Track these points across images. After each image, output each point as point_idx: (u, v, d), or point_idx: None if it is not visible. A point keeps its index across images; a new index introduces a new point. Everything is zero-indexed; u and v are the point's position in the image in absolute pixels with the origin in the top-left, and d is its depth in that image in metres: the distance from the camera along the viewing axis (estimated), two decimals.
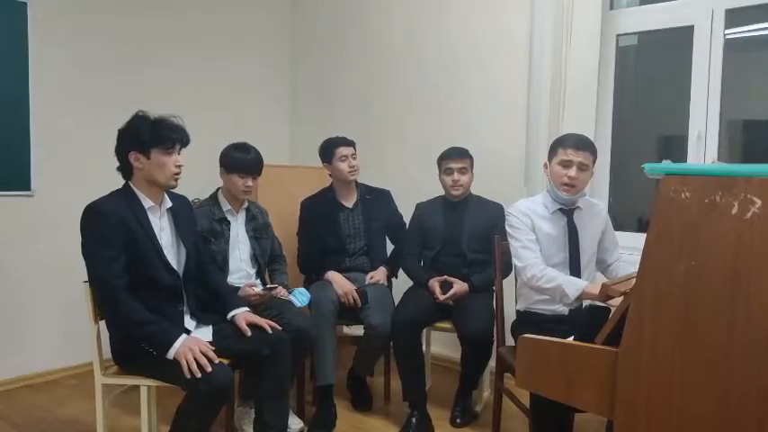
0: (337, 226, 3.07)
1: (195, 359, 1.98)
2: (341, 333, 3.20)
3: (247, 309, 2.41)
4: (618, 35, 3.21)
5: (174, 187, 2.23)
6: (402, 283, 3.12)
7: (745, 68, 3.04)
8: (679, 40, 3.04)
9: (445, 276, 2.88)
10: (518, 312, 2.55)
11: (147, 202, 2.16)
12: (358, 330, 2.95)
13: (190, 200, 2.47)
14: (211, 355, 2.02)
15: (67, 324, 3.33)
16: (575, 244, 2.42)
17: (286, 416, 2.45)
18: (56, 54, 3.33)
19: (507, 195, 3.02)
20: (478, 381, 2.94)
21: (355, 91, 4.12)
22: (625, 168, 3.29)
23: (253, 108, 4.27)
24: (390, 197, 3.25)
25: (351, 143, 3.07)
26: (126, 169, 2.17)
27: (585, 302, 2.26)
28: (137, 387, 2.17)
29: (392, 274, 3.16)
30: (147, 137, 2.10)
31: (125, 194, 2.15)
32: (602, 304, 2.00)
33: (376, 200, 3.18)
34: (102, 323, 2.17)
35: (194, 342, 2.04)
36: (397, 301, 2.97)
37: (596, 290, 1.91)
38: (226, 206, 2.75)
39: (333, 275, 2.97)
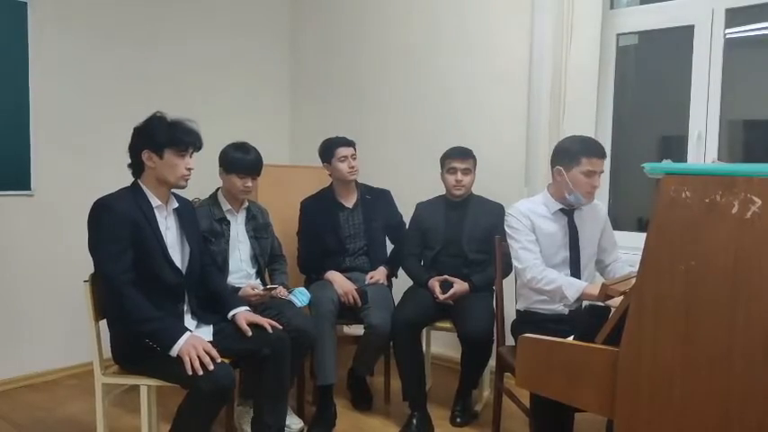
0: (337, 226, 3.07)
1: (198, 357, 1.98)
2: (341, 333, 3.21)
3: (247, 308, 2.41)
4: (618, 35, 3.21)
5: (183, 188, 2.25)
6: (402, 282, 3.12)
7: (745, 68, 3.04)
8: (679, 40, 3.04)
9: (445, 276, 2.88)
10: (518, 312, 2.55)
11: (155, 201, 2.18)
12: (358, 330, 2.95)
13: (190, 199, 2.48)
14: (214, 353, 2.03)
15: (67, 324, 3.33)
16: (575, 244, 2.42)
17: (284, 415, 2.45)
18: (56, 54, 3.33)
19: (508, 195, 3.02)
20: (478, 380, 2.94)
21: (356, 91, 4.12)
22: (625, 168, 3.29)
23: (253, 107, 4.27)
24: (390, 197, 3.25)
25: (351, 143, 3.07)
26: (137, 167, 2.19)
27: (585, 302, 2.26)
28: (137, 387, 2.17)
29: (392, 273, 3.16)
30: (162, 137, 2.13)
31: (134, 192, 2.17)
32: (603, 304, 2.00)
33: (376, 200, 3.18)
34: (103, 323, 2.18)
35: (198, 340, 2.05)
36: (397, 301, 2.97)
37: (596, 290, 1.90)
38: (226, 206, 2.75)
39: (333, 275, 2.97)
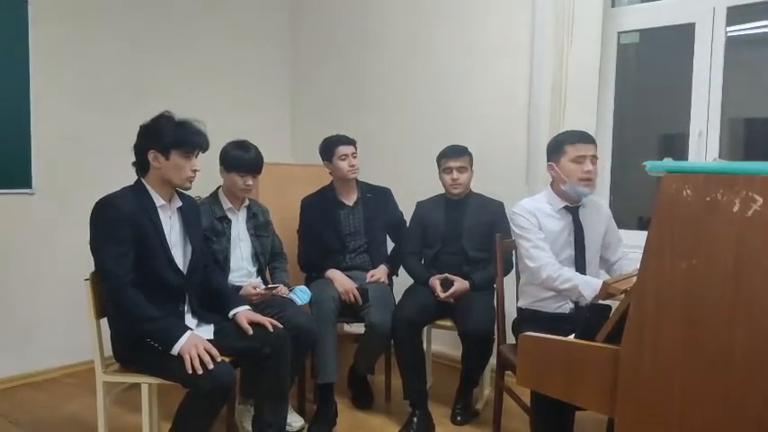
0: (338, 224, 3.07)
1: (198, 356, 1.98)
2: (342, 331, 3.20)
3: (248, 307, 2.41)
4: (619, 33, 3.20)
5: (188, 189, 2.24)
6: (403, 281, 3.12)
7: (746, 66, 3.03)
8: (680, 38, 3.03)
9: (446, 274, 2.88)
10: (519, 310, 2.55)
11: (158, 200, 2.17)
12: (359, 328, 2.95)
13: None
14: (214, 352, 2.03)
15: (68, 322, 3.33)
16: (580, 241, 2.42)
17: (285, 414, 2.45)
18: (57, 52, 3.33)
19: (508, 193, 3.02)
20: (479, 379, 2.94)
21: (356, 89, 4.12)
22: (626, 166, 3.29)
23: (254, 106, 4.27)
24: (391, 195, 3.25)
25: (351, 142, 3.07)
26: (142, 165, 2.18)
27: (587, 301, 2.26)
28: (138, 385, 2.17)
29: (393, 272, 3.16)
30: (169, 138, 2.12)
31: (137, 191, 2.16)
32: (604, 302, 2.00)
33: (376, 198, 3.17)
34: (104, 321, 2.18)
35: (198, 339, 2.05)
36: (397, 300, 2.97)
37: None
38: (227, 204, 2.75)
39: (333, 273, 2.97)
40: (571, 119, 3.10)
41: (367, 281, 2.99)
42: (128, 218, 2.06)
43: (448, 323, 2.90)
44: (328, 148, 3.06)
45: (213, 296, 2.41)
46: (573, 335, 1.68)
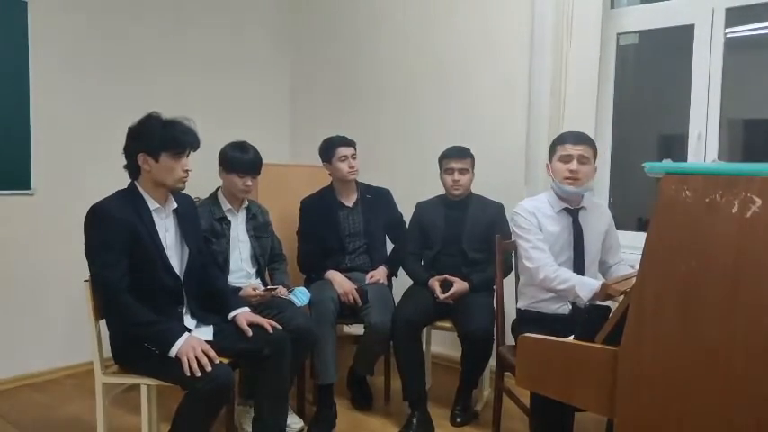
0: (337, 225, 3.07)
1: (196, 358, 1.98)
2: (341, 332, 3.20)
3: (248, 309, 2.41)
4: (618, 34, 3.20)
5: (182, 190, 2.23)
6: (402, 282, 3.12)
7: (745, 67, 3.04)
8: (679, 39, 3.04)
9: (445, 275, 2.88)
10: (518, 311, 2.55)
11: (152, 204, 2.15)
12: (358, 329, 2.95)
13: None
14: (212, 354, 2.02)
15: (68, 323, 3.33)
16: (579, 244, 2.42)
17: (285, 415, 2.45)
18: (56, 54, 3.33)
19: (508, 194, 3.02)
20: (479, 380, 2.94)
21: (356, 90, 4.12)
22: (625, 167, 3.29)
23: (253, 106, 4.27)
24: (390, 196, 3.25)
25: (351, 143, 3.07)
26: (133, 169, 2.15)
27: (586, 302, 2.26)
28: (137, 386, 2.17)
29: (392, 273, 3.16)
30: (157, 140, 2.09)
31: (130, 195, 2.14)
32: (603, 303, 2.00)
33: (376, 199, 3.18)
34: (103, 322, 2.18)
35: (196, 341, 2.05)
36: (397, 301, 2.97)
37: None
38: (226, 205, 2.75)
39: (333, 275, 2.97)
40: (570, 120, 3.10)
41: (366, 282, 2.99)
42: (121, 223, 2.04)
43: (447, 324, 2.90)
44: (328, 149, 3.06)
45: (212, 297, 2.40)
46: (572, 336, 1.68)
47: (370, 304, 2.82)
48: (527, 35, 3.26)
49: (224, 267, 2.68)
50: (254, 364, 2.35)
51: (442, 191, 3.03)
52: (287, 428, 2.49)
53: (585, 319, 2.21)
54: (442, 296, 2.81)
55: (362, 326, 2.84)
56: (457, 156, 2.92)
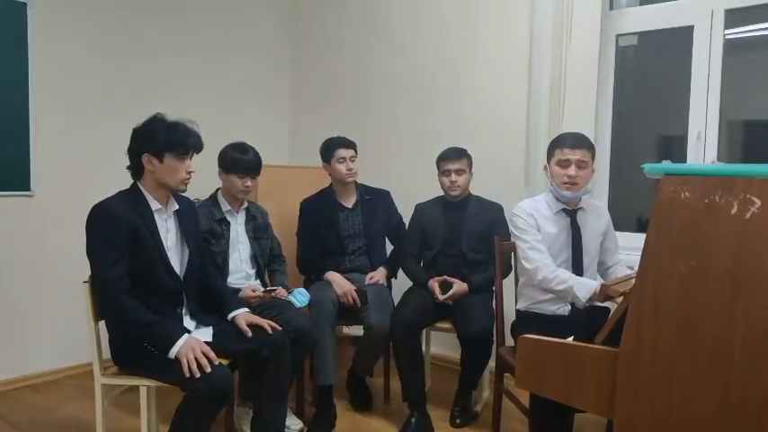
0: (337, 226, 3.07)
1: (196, 359, 1.98)
2: (340, 333, 3.20)
3: (247, 309, 2.41)
4: (618, 35, 3.21)
5: (184, 191, 2.23)
6: (402, 283, 3.12)
7: (744, 68, 3.04)
8: (679, 41, 3.04)
9: (445, 276, 2.88)
10: (518, 312, 2.55)
11: (154, 204, 2.16)
12: (358, 330, 2.95)
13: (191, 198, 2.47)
14: (212, 355, 2.02)
15: (67, 324, 3.32)
16: (578, 245, 2.42)
17: (284, 416, 2.45)
18: (56, 54, 3.33)
19: (507, 195, 3.02)
20: (478, 381, 2.94)
21: (355, 90, 4.12)
22: (625, 168, 3.29)
23: (253, 107, 4.27)
24: (390, 197, 3.25)
25: (351, 145, 3.07)
26: (136, 169, 2.16)
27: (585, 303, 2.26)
28: (136, 387, 2.17)
29: (392, 274, 3.16)
30: (162, 141, 2.10)
31: (133, 195, 2.15)
32: (602, 304, 2.00)
33: (376, 200, 3.18)
34: (102, 323, 2.17)
35: (196, 342, 2.05)
36: (396, 302, 2.97)
37: None
38: (225, 206, 2.75)
39: (332, 275, 2.97)
40: (570, 121, 3.10)
41: (366, 283, 2.99)
42: (123, 223, 2.04)
43: (447, 325, 2.90)
44: (328, 150, 3.06)
45: (212, 298, 2.40)
46: (572, 337, 1.69)
47: (370, 305, 2.82)
48: (526, 36, 3.26)
49: (223, 268, 2.68)
50: (253, 365, 2.35)
51: (441, 192, 3.03)
52: (286, 429, 2.49)
53: (585, 320, 2.22)
54: (441, 297, 2.81)
55: (362, 327, 2.83)
56: (453, 157, 2.92)
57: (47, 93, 3.29)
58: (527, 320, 2.43)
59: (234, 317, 2.33)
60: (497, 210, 2.98)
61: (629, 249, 2.66)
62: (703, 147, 2.95)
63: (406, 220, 3.20)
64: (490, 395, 2.98)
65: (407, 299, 2.92)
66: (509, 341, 2.54)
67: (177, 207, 2.26)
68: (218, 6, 4.05)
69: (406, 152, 3.83)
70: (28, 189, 3.26)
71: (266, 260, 2.90)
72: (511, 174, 3.33)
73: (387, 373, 3.09)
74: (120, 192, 2.16)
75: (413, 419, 2.70)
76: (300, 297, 2.74)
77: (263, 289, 2.70)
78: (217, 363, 2.03)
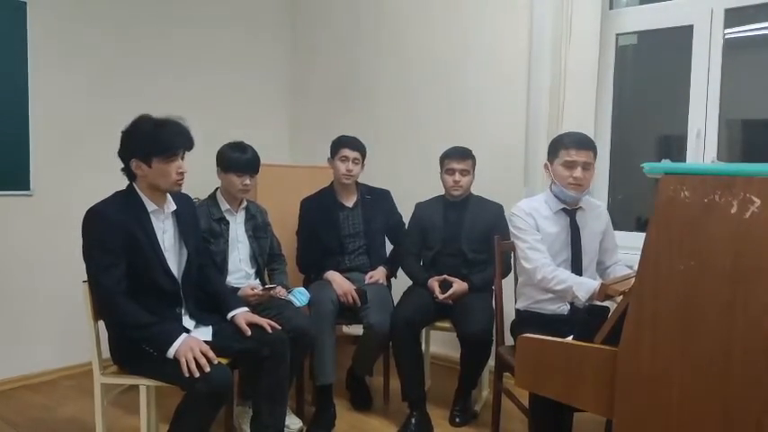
0: (337, 225, 3.07)
1: (195, 359, 1.98)
2: (340, 332, 3.20)
3: (247, 309, 2.41)
4: (617, 34, 3.21)
5: (178, 192, 2.22)
6: (401, 282, 3.12)
7: (744, 68, 3.04)
8: (678, 40, 3.04)
9: (444, 276, 2.88)
10: (517, 312, 2.55)
11: (150, 206, 2.14)
12: (357, 330, 2.95)
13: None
14: (211, 355, 2.02)
15: (66, 324, 3.32)
16: (577, 244, 2.42)
17: (284, 416, 2.45)
18: (55, 54, 3.33)
19: (507, 195, 3.02)
20: (478, 380, 2.94)
21: (355, 90, 4.12)
22: (624, 167, 3.29)
23: (252, 107, 4.27)
24: (390, 197, 3.25)
25: (358, 148, 3.05)
26: (129, 172, 2.14)
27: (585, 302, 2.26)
28: (136, 387, 2.17)
29: (391, 273, 3.16)
30: (148, 145, 2.06)
31: (128, 197, 2.13)
32: (602, 303, 2.00)
33: (376, 200, 3.18)
34: (101, 323, 2.17)
35: (195, 342, 2.04)
36: (396, 301, 2.97)
37: None
38: (224, 206, 2.75)
39: (332, 275, 2.97)
40: (569, 120, 3.10)
41: (366, 282, 2.99)
42: (118, 226, 2.03)
43: (446, 324, 2.90)
44: (335, 146, 3.07)
45: (211, 298, 2.40)
46: (571, 336, 1.69)
47: (370, 305, 2.82)
48: (526, 36, 3.26)
49: (222, 268, 2.68)
50: (252, 365, 2.35)
51: (441, 191, 3.03)
52: (286, 429, 2.48)
53: (584, 319, 2.22)
54: (441, 296, 2.81)
55: (361, 326, 2.83)
56: (459, 156, 2.92)
57: (46, 93, 3.29)
58: (527, 320, 2.43)
59: (233, 316, 2.33)
60: (497, 209, 2.98)
61: (628, 249, 2.66)
62: (703, 146, 2.95)
63: (406, 219, 3.19)
64: (490, 394, 2.98)
65: (407, 298, 2.92)
66: (509, 340, 2.54)
67: (175, 207, 2.24)
68: (218, 5, 4.05)
69: (406, 152, 3.83)
70: (27, 189, 3.26)
71: (266, 259, 2.90)
72: (511, 174, 3.33)
73: (386, 373, 3.09)
74: (116, 193, 2.15)
75: (412, 419, 2.70)
76: (300, 296, 2.74)
77: (261, 287, 2.70)
78: (216, 362, 2.03)
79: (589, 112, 3.09)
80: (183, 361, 1.97)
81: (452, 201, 2.98)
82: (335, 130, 3.21)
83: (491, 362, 2.73)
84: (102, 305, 2.08)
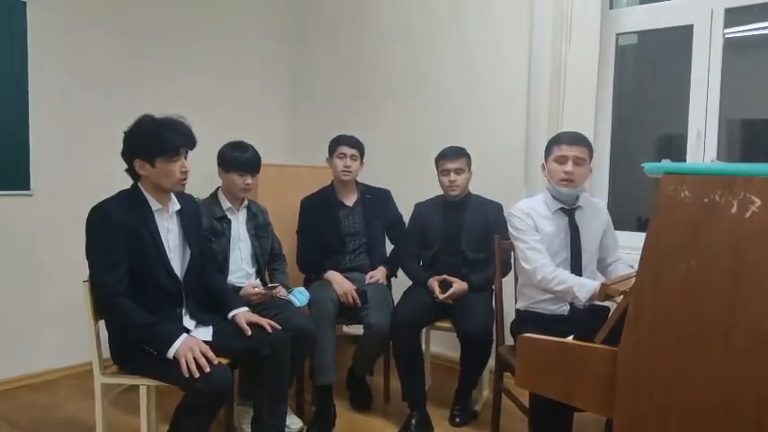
0: (337, 224, 3.07)
1: (195, 359, 1.98)
2: (340, 332, 3.20)
3: (247, 308, 2.41)
4: (617, 34, 3.21)
5: (181, 191, 2.22)
6: (401, 282, 3.12)
7: (744, 67, 3.04)
8: (679, 40, 3.04)
9: (444, 276, 2.88)
10: (518, 311, 2.55)
11: (155, 205, 2.15)
12: (357, 330, 2.95)
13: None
14: (210, 355, 2.02)
15: (67, 324, 3.32)
16: (576, 243, 2.42)
17: (284, 416, 2.45)
18: (55, 54, 3.33)
19: (507, 195, 3.02)
20: (478, 380, 2.94)
21: (355, 90, 4.12)
22: (624, 167, 3.29)
23: (253, 107, 4.27)
24: (390, 197, 3.25)
25: (356, 145, 3.06)
26: (133, 173, 2.14)
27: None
28: (136, 387, 2.17)
29: (392, 273, 3.16)
30: (150, 145, 2.07)
31: (133, 196, 2.13)
32: (602, 303, 2.00)
33: (376, 199, 3.18)
34: (102, 323, 2.17)
35: (194, 342, 2.05)
36: (396, 301, 2.97)
37: None
38: (226, 204, 2.75)
39: (332, 275, 2.97)
40: (569, 120, 3.10)
41: (366, 282, 2.99)
42: (121, 225, 2.03)
43: (446, 324, 2.90)
44: (333, 144, 3.08)
45: (212, 297, 2.40)
46: (571, 336, 1.69)
47: (370, 304, 2.82)
48: (526, 36, 3.26)
49: (224, 267, 2.68)
50: (253, 365, 2.35)
51: (441, 191, 3.03)
52: (286, 429, 2.49)
53: (585, 319, 2.22)
54: (441, 296, 2.81)
55: (362, 326, 2.83)
56: (452, 156, 2.92)
57: (47, 92, 3.29)
58: (527, 320, 2.43)
59: (234, 316, 2.33)
60: (497, 209, 2.98)
61: (629, 249, 2.65)
62: (703, 146, 2.95)
63: (406, 219, 3.19)
64: (490, 394, 2.98)
65: (407, 298, 2.92)
66: (509, 340, 2.54)
67: (179, 207, 2.25)
68: (218, 5, 4.04)
69: (406, 151, 3.83)
70: (27, 189, 3.26)
71: (266, 259, 2.90)
72: (510, 173, 3.33)
73: (387, 373, 3.09)
74: (120, 192, 2.15)
75: (412, 419, 2.70)
76: (300, 296, 2.74)
77: (263, 287, 2.70)
78: (216, 362, 2.03)
79: (589, 112, 3.09)
80: (182, 361, 1.97)
81: (452, 200, 2.98)
82: (336, 130, 3.21)
83: (491, 362, 2.73)
84: (103, 304, 2.08)
